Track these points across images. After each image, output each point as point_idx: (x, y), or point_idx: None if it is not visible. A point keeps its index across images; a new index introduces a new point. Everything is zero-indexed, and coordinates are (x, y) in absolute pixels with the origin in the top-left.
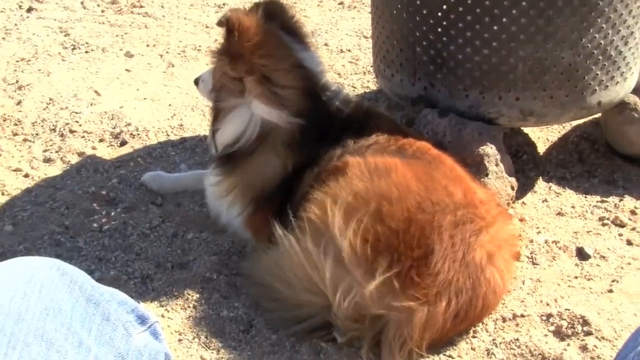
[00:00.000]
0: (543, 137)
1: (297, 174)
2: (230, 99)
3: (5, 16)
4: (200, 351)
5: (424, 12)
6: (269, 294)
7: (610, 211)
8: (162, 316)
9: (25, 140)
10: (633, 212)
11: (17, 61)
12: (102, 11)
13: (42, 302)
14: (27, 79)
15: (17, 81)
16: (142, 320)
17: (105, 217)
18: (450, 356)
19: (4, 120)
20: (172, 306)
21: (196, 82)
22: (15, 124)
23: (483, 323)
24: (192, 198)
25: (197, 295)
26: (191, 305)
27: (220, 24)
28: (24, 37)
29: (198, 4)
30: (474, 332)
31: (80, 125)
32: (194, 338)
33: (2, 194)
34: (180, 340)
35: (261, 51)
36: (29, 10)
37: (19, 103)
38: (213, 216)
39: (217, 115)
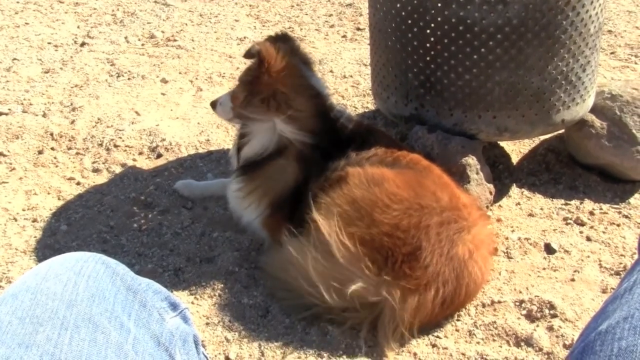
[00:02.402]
0: (516, 149)
1: (306, 182)
2: (256, 120)
3: (63, 50)
4: (224, 333)
5: (415, 43)
6: (283, 285)
7: (572, 212)
8: (192, 303)
9: (77, 153)
10: (591, 213)
11: (72, 87)
12: (142, 44)
13: (89, 290)
14: (79, 102)
15: (71, 104)
16: (174, 306)
17: (143, 219)
18: (437, 336)
19: (60, 137)
20: (200, 295)
21: (214, 105)
22: (70, 140)
23: (466, 308)
24: (217, 202)
25: (222, 286)
26: (216, 294)
27: (250, 55)
28: (78, 67)
29: (222, 37)
30: (458, 316)
31: (123, 140)
32: (219, 322)
33: (59, 199)
34: (207, 323)
35: (285, 79)
36: (82, 44)
37: (72, 122)
38: (235, 218)
39: (245, 135)
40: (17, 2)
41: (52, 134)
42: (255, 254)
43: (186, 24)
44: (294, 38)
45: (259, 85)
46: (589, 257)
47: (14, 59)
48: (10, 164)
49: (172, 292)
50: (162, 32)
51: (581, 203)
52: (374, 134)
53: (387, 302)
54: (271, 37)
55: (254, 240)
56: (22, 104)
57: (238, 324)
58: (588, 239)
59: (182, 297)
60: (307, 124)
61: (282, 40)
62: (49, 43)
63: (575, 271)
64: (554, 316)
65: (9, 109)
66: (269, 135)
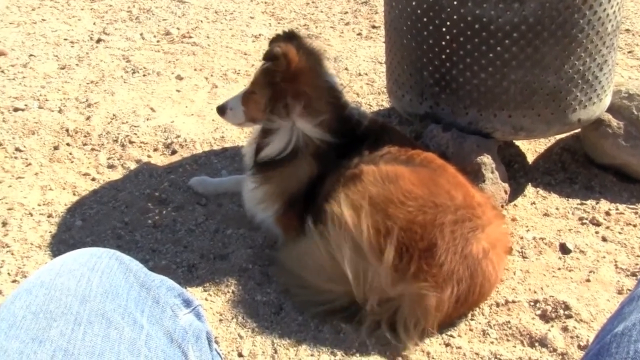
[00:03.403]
0: (532, 148)
1: (321, 178)
2: (277, 121)
3: (79, 46)
4: (237, 330)
5: (430, 41)
6: (296, 282)
7: (588, 212)
8: (205, 300)
9: (92, 149)
10: (607, 213)
11: (88, 83)
12: (158, 41)
13: (102, 286)
14: (95, 98)
15: (87, 100)
16: (187, 303)
17: (158, 215)
18: (451, 335)
19: (76, 133)
20: (214, 291)
21: (222, 110)
22: (85, 136)
23: (479, 307)
24: (231, 199)
25: (235, 282)
26: (230, 291)
27: (272, 57)
28: (93, 64)
29: (237, 34)
30: (472, 315)
31: (138, 137)
32: (232, 318)
33: (74, 194)
34: (220, 320)
35: (307, 79)
36: (98, 41)
37: (88, 118)
38: (249, 215)
39: (266, 135)
40: None
41: (67, 130)
42: (268, 251)
43: (201, 21)
44: (302, 35)
45: (283, 87)
46: (604, 257)
47: (31, 55)
48: (26, 159)
49: (185, 288)
50: (178, 28)
51: (597, 203)
52: (388, 132)
53: (406, 298)
54: (284, 36)
55: (268, 237)
56: (38, 99)
57: (251, 320)
58: (604, 239)
59: (195, 293)
60: (326, 122)
61: (293, 38)
62: (65, 39)
63: (590, 272)
64: (568, 317)
65: (26, 105)
66: (289, 134)
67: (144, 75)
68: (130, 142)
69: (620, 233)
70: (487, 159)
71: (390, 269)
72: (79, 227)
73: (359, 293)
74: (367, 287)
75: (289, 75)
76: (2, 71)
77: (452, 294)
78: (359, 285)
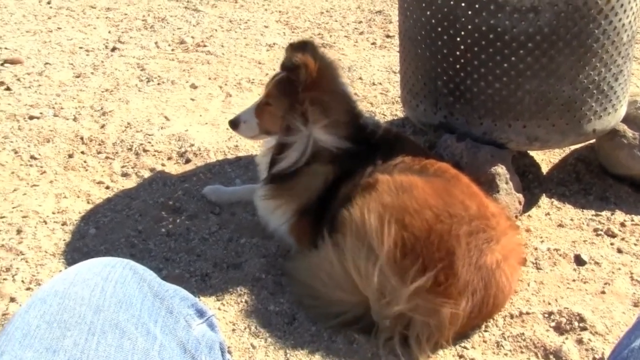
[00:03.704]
0: (546, 159)
1: (335, 188)
2: (294, 133)
3: (94, 54)
4: (250, 340)
5: (445, 51)
6: (309, 292)
7: (603, 223)
8: (219, 309)
9: (107, 157)
10: (623, 225)
11: (102, 92)
12: (172, 50)
13: (116, 296)
14: (109, 107)
15: (101, 108)
16: (200, 313)
17: (171, 224)
18: (464, 347)
19: (90, 141)
20: (227, 300)
21: (235, 124)
22: (99, 144)
23: (493, 319)
24: (245, 208)
25: (248, 292)
26: (243, 300)
27: (291, 68)
28: (108, 72)
29: (252, 43)
30: (486, 326)
31: (152, 145)
32: (245, 328)
33: (88, 203)
34: (233, 330)
35: (324, 90)
36: (113, 49)
37: (102, 127)
38: (263, 224)
39: (282, 150)
40: (50, 7)
41: (82, 138)
42: (282, 261)
43: (216, 30)
44: (316, 44)
45: (302, 97)
46: (620, 269)
47: (46, 63)
48: (41, 167)
49: (198, 297)
50: (192, 37)
51: (612, 214)
52: (402, 141)
53: (420, 312)
54: (297, 45)
55: (281, 246)
56: (53, 107)
57: (264, 330)
58: (619, 250)
59: (208, 302)
60: (342, 131)
61: (306, 48)
62: (81, 48)
63: (605, 283)
64: (583, 329)
65: (41, 113)
66: (304, 144)
67: (158, 84)
68: (145, 151)
69: (635, 245)
70: (501, 170)
71: (409, 284)
72: (92, 235)
73: (376, 307)
74: (383, 303)
75: (307, 84)
76: (18, 79)
77: (467, 305)
78: (376, 300)
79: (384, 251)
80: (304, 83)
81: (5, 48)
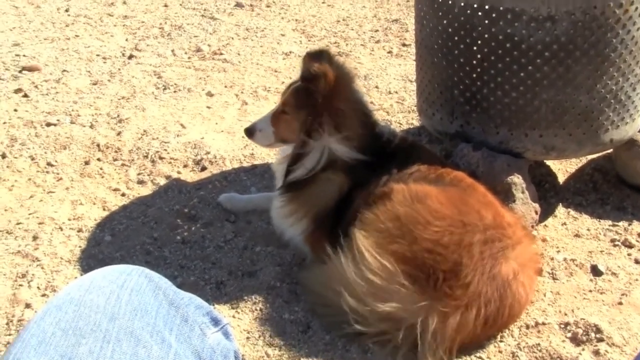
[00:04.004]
0: (563, 168)
1: (351, 195)
2: (311, 143)
3: (111, 62)
4: (265, 348)
5: (461, 60)
6: (323, 301)
7: (620, 234)
8: (233, 317)
9: (123, 165)
10: None
11: (119, 99)
12: (189, 58)
13: (131, 304)
14: (126, 114)
15: (118, 116)
16: (215, 322)
17: (187, 231)
18: (480, 357)
19: (107, 148)
20: (242, 309)
21: (251, 132)
22: (116, 152)
23: (509, 329)
24: (260, 216)
25: (263, 300)
26: (258, 309)
27: (310, 78)
28: (125, 79)
29: (268, 52)
30: (501, 337)
31: (168, 153)
32: (259, 336)
33: (104, 209)
34: (248, 338)
35: (342, 99)
36: (130, 57)
37: (119, 134)
38: (278, 232)
39: (297, 159)
40: (68, 15)
41: (98, 145)
42: (297, 269)
43: (232, 38)
44: (333, 53)
45: (320, 107)
46: (637, 280)
47: (64, 70)
48: (58, 174)
49: (213, 305)
50: (209, 45)
51: (629, 224)
52: (418, 150)
53: (427, 322)
54: (314, 54)
55: (296, 255)
56: (70, 115)
57: (279, 339)
58: (636, 261)
59: (223, 310)
60: (358, 142)
61: (323, 57)
62: (98, 55)
63: (623, 294)
64: (600, 340)
65: (58, 120)
66: (319, 153)
67: (174, 92)
68: (160, 158)
69: None
70: (517, 179)
71: (411, 295)
72: (108, 242)
73: (372, 322)
74: (382, 314)
75: (328, 96)
76: (36, 86)
77: (479, 315)
78: (371, 315)
79: (394, 262)
80: (322, 93)
81: (24, 55)
